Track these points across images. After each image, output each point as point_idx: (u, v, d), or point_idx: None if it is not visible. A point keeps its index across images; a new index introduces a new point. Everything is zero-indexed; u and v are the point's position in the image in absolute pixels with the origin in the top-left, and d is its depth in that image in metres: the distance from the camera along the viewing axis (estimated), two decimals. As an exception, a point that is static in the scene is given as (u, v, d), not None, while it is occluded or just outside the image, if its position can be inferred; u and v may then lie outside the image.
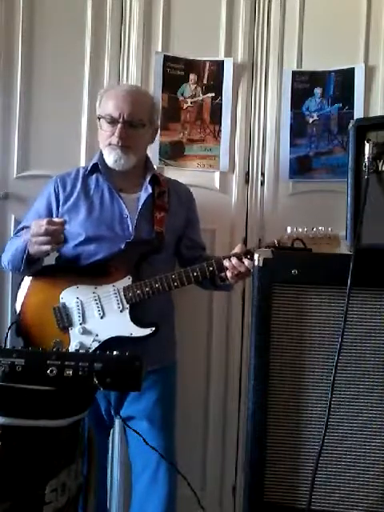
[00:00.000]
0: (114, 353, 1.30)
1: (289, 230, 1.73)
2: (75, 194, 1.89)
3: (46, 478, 1.21)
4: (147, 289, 1.76)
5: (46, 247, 1.70)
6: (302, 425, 1.52)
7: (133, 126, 1.83)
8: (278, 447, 1.53)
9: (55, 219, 1.73)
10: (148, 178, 1.90)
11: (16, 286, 2.02)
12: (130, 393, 1.83)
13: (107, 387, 1.26)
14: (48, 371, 1.26)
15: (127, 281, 1.79)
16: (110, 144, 1.84)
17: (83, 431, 1.34)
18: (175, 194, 1.97)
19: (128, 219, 1.84)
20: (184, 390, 2.11)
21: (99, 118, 1.88)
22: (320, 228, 1.73)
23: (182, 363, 2.05)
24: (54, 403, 1.25)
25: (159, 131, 2.28)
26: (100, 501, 1.97)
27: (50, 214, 1.90)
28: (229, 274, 1.75)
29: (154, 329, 1.77)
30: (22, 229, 1.91)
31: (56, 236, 1.70)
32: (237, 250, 1.78)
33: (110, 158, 1.85)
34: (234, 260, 1.73)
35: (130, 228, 1.84)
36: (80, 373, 1.26)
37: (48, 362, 1.27)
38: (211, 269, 1.76)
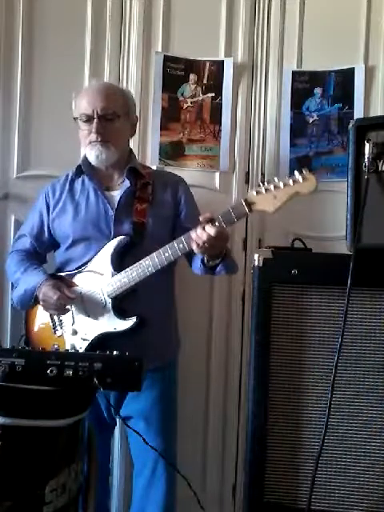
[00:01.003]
0: (114, 353, 1.30)
1: (260, 184, 1.57)
2: (63, 198, 1.92)
3: (46, 477, 1.21)
4: (125, 279, 1.75)
5: (54, 312, 1.83)
6: (302, 425, 1.52)
7: (108, 120, 1.83)
8: (278, 447, 1.53)
9: (67, 292, 1.78)
10: (125, 172, 1.88)
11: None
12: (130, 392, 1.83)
13: (107, 387, 1.26)
14: (48, 371, 1.26)
15: (108, 275, 1.79)
16: (90, 142, 1.85)
17: (83, 431, 1.34)
18: (161, 184, 1.94)
19: (112, 217, 1.85)
20: (184, 390, 2.10)
21: (75, 119, 1.88)
22: (294, 173, 1.56)
23: (182, 363, 2.05)
24: (54, 403, 1.25)
25: (159, 131, 2.30)
26: (101, 501, 1.97)
27: (41, 221, 1.95)
28: (194, 246, 1.62)
29: (135, 320, 1.75)
30: (20, 237, 1.99)
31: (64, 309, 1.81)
32: (200, 219, 1.64)
33: (92, 154, 1.85)
34: (198, 230, 1.60)
35: (111, 225, 1.85)
36: (80, 373, 1.26)
37: (48, 362, 1.27)
38: (181, 245, 1.68)
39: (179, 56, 2.32)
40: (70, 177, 1.96)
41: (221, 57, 2.33)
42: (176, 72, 2.32)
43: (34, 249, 1.96)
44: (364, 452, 1.50)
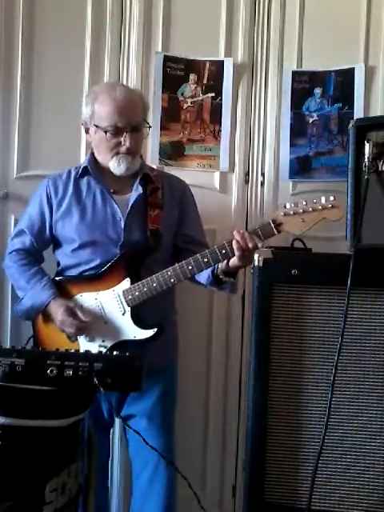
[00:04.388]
0: (114, 353, 1.30)
1: (288, 205, 1.62)
2: (67, 199, 1.88)
3: (46, 477, 1.21)
4: (145, 289, 1.75)
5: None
6: (302, 425, 1.52)
7: (137, 131, 1.82)
8: (278, 447, 1.53)
9: (83, 318, 1.77)
10: (138, 178, 1.87)
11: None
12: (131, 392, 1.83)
13: (107, 387, 1.26)
14: (48, 371, 1.26)
15: (126, 283, 1.78)
16: (117, 153, 1.81)
17: (83, 431, 1.34)
18: (169, 189, 1.93)
19: (121, 222, 1.83)
20: (184, 390, 2.10)
21: (97, 127, 1.81)
22: (320, 199, 1.61)
23: (183, 363, 2.05)
24: (54, 403, 1.25)
25: (159, 131, 2.29)
26: (101, 501, 1.97)
27: (42, 219, 1.90)
28: (239, 252, 1.63)
29: (156, 330, 1.76)
30: (20, 234, 1.93)
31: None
32: (234, 233, 1.67)
33: (122, 167, 1.81)
34: (244, 237, 1.63)
35: (122, 230, 1.83)
36: (80, 373, 1.26)
37: (48, 362, 1.27)
38: (206, 260, 1.70)
39: (179, 56, 2.32)
40: (73, 175, 1.91)
41: (221, 57, 2.33)
42: (176, 72, 2.32)
43: (34, 247, 1.92)
44: (364, 452, 1.50)
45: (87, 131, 1.88)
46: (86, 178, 1.90)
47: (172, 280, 1.73)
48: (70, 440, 1.28)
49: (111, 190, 1.87)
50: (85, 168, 1.89)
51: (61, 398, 1.25)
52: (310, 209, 1.59)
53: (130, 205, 1.84)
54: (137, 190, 1.85)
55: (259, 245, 1.63)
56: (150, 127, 1.95)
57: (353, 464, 1.50)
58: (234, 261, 1.68)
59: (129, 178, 1.87)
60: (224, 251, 1.68)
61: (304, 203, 1.60)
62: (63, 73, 2.28)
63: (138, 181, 1.86)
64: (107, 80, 2.29)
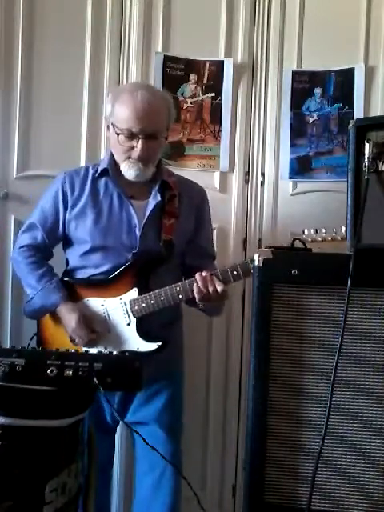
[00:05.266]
0: (114, 353, 1.30)
1: (306, 231, 1.63)
2: (83, 199, 1.82)
3: (46, 477, 1.21)
4: (152, 301, 1.72)
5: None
6: (302, 425, 1.52)
7: (153, 138, 1.75)
8: (277, 447, 1.53)
9: (97, 328, 1.77)
10: (157, 186, 1.82)
11: (16, 287, 2.02)
12: (137, 397, 1.81)
13: (107, 387, 1.26)
14: (48, 371, 1.26)
15: (134, 293, 1.75)
16: (129, 158, 1.76)
17: (83, 431, 1.34)
18: (186, 197, 1.88)
19: (136, 228, 1.78)
20: (184, 390, 2.10)
21: (114, 126, 1.75)
22: (331, 229, 1.64)
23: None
24: (54, 403, 1.25)
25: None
26: (103, 502, 1.96)
27: (56, 216, 1.85)
28: (195, 289, 1.67)
29: (160, 344, 1.74)
30: (32, 228, 1.88)
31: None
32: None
33: (131, 172, 1.76)
34: (207, 276, 1.66)
35: (137, 238, 1.79)
36: (80, 373, 1.26)
37: (48, 362, 1.27)
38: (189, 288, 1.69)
39: (179, 56, 2.32)
40: (90, 174, 1.85)
41: (221, 57, 2.33)
42: (176, 72, 2.32)
43: (44, 242, 1.87)
44: (364, 452, 1.49)
45: (108, 128, 1.83)
46: (104, 178, 1.84)
47: (180, 296, 1.71)
48: (69, 440, 1.28)
49: (129, 195, 1.82)
50: (104, 169, 1.83)
51: (61, 398, 1.25)
52: (330, 238, 1.62)
53: (147, 212, 1.79)
54: (155, 198, 1.81)
55: (219, 289, 1.66)
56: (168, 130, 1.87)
57: (353, 464, 1.50)
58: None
59: (147, 183, 1.83)
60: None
61: (324, 231, 1.63)
62: (63, 73, 2.28)
63: (156, 188, 1.82)
64: (107, 80, 2.29)
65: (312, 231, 1.62)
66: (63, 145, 2.26)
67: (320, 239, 1.61)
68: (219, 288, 1.66)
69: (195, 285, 1.67)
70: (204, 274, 1.67)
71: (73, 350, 1.33)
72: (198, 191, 1.95)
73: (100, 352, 1.73)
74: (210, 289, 1.66)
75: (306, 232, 1.63)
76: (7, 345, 2.19)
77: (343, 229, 1.59)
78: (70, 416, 1.25)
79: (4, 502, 1.16)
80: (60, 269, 1.92)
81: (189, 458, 2.17)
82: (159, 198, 1.81)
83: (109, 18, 2.30)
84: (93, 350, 1.75)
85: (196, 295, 1.68)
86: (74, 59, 2.29)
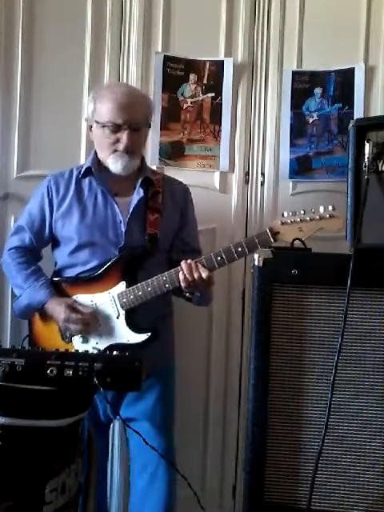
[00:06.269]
0: (114, 353, 1.30)
1: (286, 214, 1.63)
2: (68, 198, 1.87)
3: (46, 477, 1.21)
4: (140, 292, 1.74)
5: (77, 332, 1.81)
6: (302, 425, 1.52)
7: (136, 130, 1.81)
8: (277, 447, 1.53)
9: (83, 310, 1.78)
10: (139, 181, 1.86)
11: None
12: (129, 394, 1.82)
13: (107, 387, 1.26)
14: (48, 371, 1.26)
15: (121, 286, 1.78)
16: (115, 151, 1.81)
17: (83, 431, 1.34)
18: (170, 194, 1.93)
19: (121, 224, 1.82)
20: (184, 390, 2.10)
21: (97, 123, 1.82)
22: (318, 208, 1.62)
23: (183, 363, 2.05)
24: (54, 403, 1.25)
25: (159, 131, 2.29)
26: (100, 501, 1.97)
27: (43, 217, 1.89)
28: (181, 277, 1.69)
29: (150, 334, 1.75)
30: (19, 230, 1.93)
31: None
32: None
33: (118, 165, 1.81)
34: (192, 264, 1.69)
35: (123, 233, 1.82)
36: (80, 373, 1.26)
37: (48, 362, 1.27)
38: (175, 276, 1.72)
39: (179, 56, 2.32)
40: (75, 175, 1.90)
41: (221, 57, 2.33)
42: (176, 72, 2.32)
43: (32, 245, 1.92)
44: (364, 452, 1.50)
45: (91, 129, 1.88)
46: (87, 178, 1.89)
47: (167, 285, 1.73)
48: (69, 440, 1.28)
49: (113, 192, 1.86)
50: (88, 168, 1.88)
51: (61, 397, 1.25)
52: (308, 218, 1.60)
53: (131, 208, 1.84)
54: (138, 193, 1.85)
55: (204, 275, 1.67)
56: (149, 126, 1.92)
57: (353, 464, 1.50)
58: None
59: (130, 180, 1.87)
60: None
61: (302, 212, 1.62)
62: (63, 73, 2.28)
63: (139, 184, 1.86)
64: (107, 80, 2.29)
65: (290, 214, 1.62)
66: (63, 145, 2.26)
67: (299, 220, 1.60)
68: (204, 274, 1.68)
69: (181, 272, 1.70)
70: (189, 261, 1.70)
71: (72, 350, 1.33)
72: (181, 188, 1.99)
73: (98, 351, 1.76)
74: (196, 275, 1.68)
75: (286, 214, 1.63)
76: (7, 345, 2.19)
77: (322, 208, 1.59)
78: (70, 416, 1.25)
79: (4, 502, 1.16)
80: (49, 271, 1.93)
81: (189, 457, 2.17)
82: (142, 194, 1.85)
83: (109, 18, 2.30)
84: (86, 346, 1.79)
85: (182, 283, 1.70)
86: (73, 59, 2.29)
